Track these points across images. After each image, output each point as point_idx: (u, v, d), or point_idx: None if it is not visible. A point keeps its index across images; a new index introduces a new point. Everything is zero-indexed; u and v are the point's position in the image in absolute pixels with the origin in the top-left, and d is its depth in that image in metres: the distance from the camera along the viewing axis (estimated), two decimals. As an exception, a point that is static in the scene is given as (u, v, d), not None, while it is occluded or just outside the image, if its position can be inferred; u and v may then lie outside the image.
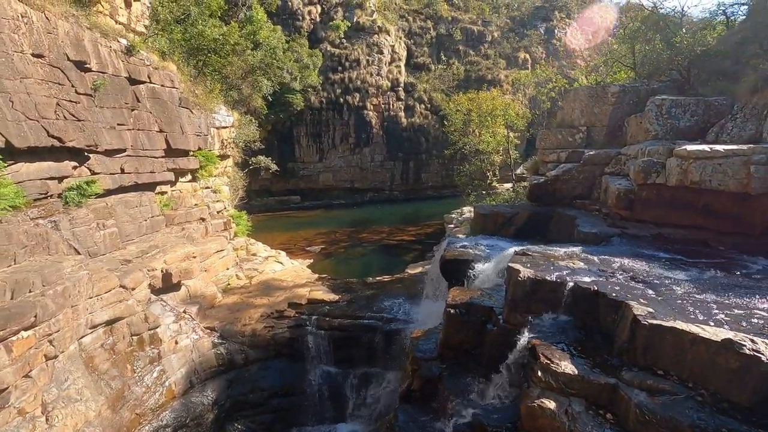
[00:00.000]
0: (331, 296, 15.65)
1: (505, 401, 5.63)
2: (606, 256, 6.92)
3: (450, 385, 6.36)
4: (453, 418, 5.85)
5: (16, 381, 7.67)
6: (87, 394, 9.22)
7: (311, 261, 23.54)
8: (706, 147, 7.67)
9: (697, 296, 5.14)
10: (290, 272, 18.76)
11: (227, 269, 16.82)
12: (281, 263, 19.89)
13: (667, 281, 5.68)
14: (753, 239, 7.41)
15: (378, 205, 41.84)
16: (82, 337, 9.79)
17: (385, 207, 40.91)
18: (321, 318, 14.32)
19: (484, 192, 30.46)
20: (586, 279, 5.86)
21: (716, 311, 4.72)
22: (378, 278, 17.96)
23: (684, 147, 8.01)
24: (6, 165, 9.34)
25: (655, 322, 4.49)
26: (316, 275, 18.55)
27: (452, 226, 26.04)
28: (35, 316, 7.93)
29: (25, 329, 7.85)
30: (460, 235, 18.77)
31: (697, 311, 4.76)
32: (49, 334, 8.41)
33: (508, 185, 31.94)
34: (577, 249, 7.51)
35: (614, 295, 5.22)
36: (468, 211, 27.12)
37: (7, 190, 9.03)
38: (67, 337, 8.96)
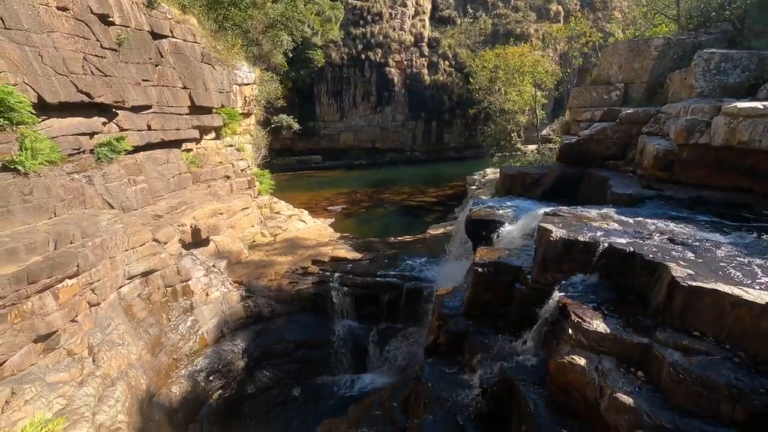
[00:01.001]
0: (354, 254, 15.91)
1: (533, 358, 5.71)
2: (641, 218, 6.72)
3: (476, 341, 6.48)
4: (479, 372, 6.00)
5: (64, 325, 8.18)
6: (128, 339, 9.80)
7: (333, 220, 23.81)
8: (759, 104, 7.17)
9: (739, 259, 4.98)
10: (313, 231, 19.07)
11: (252, 226, 17.19)
12: (304, 222, 20.20)
13: (707, 244, 5.50)
14: (801, 203, 7.04)
15: (399, 166, 41.49)
16: (121, 287, 10.29)
17: (406, 168, 40.55)
18: (344, 275, 14.67)
19: (507, 153, 29.72)
20: (621, 240, 5.72)
21: (760, 275, 4.57)
22: (399, 238, 18.11)
23: (734, 104, 7.51)
24: (39, 120, 9.52)
25: (694, 284, 4.39)
26: (338, 234, 18.81)
27: (474, 187, 25.69)
28: (77, 266, 8.32)
29: (69, 278, 8.28)
30: (483, 197, 18.55)
31: (740, 274, 4.62)
32: (91, 283, 8.85)
33: (533, 147, 31.03)
34: (610, 210, 7.30)
35: (651, 256, 5.10)
36: (491, 173, 26.63)
37: (43, 145, 9.24)
38: (107, 286, 9.42)
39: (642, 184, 9.11)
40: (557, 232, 6.01)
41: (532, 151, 30.34)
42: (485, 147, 31.76)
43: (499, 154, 28.98)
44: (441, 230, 19.07)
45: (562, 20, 42.65)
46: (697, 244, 5.50)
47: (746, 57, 9.78)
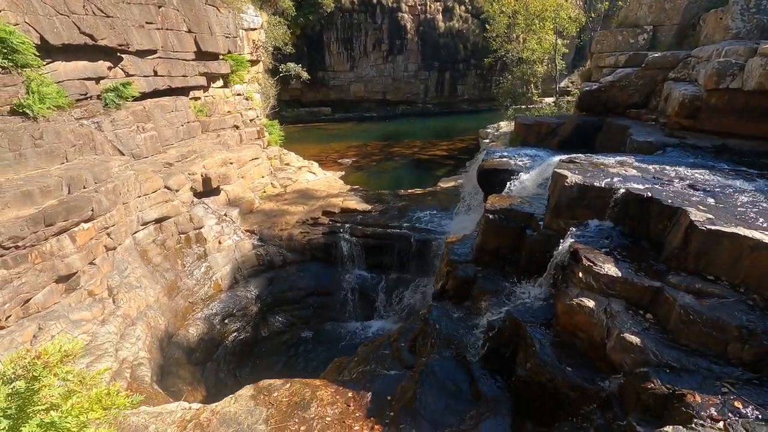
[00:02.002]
0: (364, 206, 15.90)
1: (540, 301, 5.74)
2: (661, 165, 6.49)
3: (484, 286, 6.53)
4: (486, 314, 6.08)
5: (83, 267, 8.44)
6: (145, 282, 10.12)
7: (343, 173, 23.66)
8: (800, 43, 6.66)
9: (763, 205, 4.81)
10: (323, 182, 19.01)
11: (262, 177, 17.18)
12: (314, 173, 20.11)
13: (729, 190, 5.31)
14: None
15: (410, 119, 40.51)
16: (136, 232, 10.49)
17: (417, 120, 39.58)
18: (354, 226, 14.74)
19: (523, 106, 28.68)
20: (639, 186, 5.55)
21: (783, 220, 4.42)
22: (410, 191, 18.00)
23: (772, 43, 6.99)
24: (44, 64, 9.33)
25: (713, 227, 4.27)
26: (349, 186, 18.74)
27: (487, 141, 25.08)
28: (92, 210, 8.45)
29: (85, 221, 8.43)
30: (494, 147, 18.13)
31: (762, 219, 4.47)
32: (106, 227, 9.02)
33: (551, 99, 29.85)
34: (629, 158, 7.05)
35: (669, 201, 4.95)
36: (505, 126, 25.88)
37: (49, 89, 9.11)
38: (122, 231, 9.60)
39: (664, 132, 8.74)
40: (572, 178, 5.85)
41: (549, 104, 29.21)
42: (500, 99, 30.65)
43: (514, 107, 28.01)
44: (452, 183, 18.87)
45: (589, -40, 39.55)
46: (719, 190, 5.32)
47: (791, -7, 9.01)
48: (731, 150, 7.56)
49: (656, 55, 10.35)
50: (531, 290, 5.97)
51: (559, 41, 28.40)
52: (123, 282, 9.73)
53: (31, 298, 7.61)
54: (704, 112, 8.26)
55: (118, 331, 9.03)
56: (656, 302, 4.37)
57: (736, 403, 3.45)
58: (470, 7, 39.70)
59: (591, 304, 4.58)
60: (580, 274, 4.79)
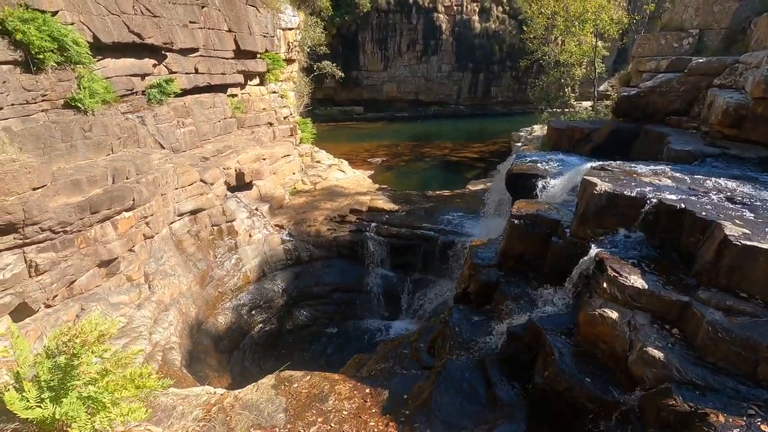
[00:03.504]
0: (391, 206, 16.00)
1: (563, 309, 5.66)
2: (698, 176, 6.24)
3: (506, 291, 6.48)
4: (506, 320, 6.05)
5: (123, 253, 8.94)
6: (179, 271, 10.60)
7: (372, 172, 23.85)
8: None
9: (806, 221, 4.56)
10: (352, 181, 19.24)
11: (293, 174, 17.57)
12: (344, 172, 20.37)
13: (770, 204, 5.06)
14: None
15: (442, 120, 40.28)
16: (172, 222, 10.99)
17: (449, 122, 39.31)
18: (380, 225, 14.86)
19: (558, 110, 27.99)
20: (672, 196, 5.37)
21: (827, 238, 4.18)
22: (438, 192, 17.96)
23: (828, 50, 6.59)
24: (95, 60, 9.91)
25: (748, 243, 4.10)
26: (377, 185, 18.88)
27: (520, 144, 24.68)
28: (133, 200, 8.94)
29: (126, 210, 8.93)
30: (524, 152, 17.81)
31: (803, 236, 4.25)
32: (145, 217, 9.51)
33: (588, 103, 28.97)
34: (664, 167, 6.82)
35: (704, 214, 4.77)
36: (539, 130, 25.35)
37: (99, 84, 9.68)
38: (159, 221, 10.09)
39: (705, 141, 8.38)
40: (602, 185, 5.72)
41: (587, 108, 28.34)
42: (534, 102, 30.02)
43: (549, 110, 27.37)
44: (481, 186, 18.69)
45: (635, -41, 38.08)
46: (759, 204, 5.08)
47: None
48: (778, 162, 7.17)
49: (701, 60, 9.91)
50: (553, 298, 5.89)
51: (600, 43, 27.52)
52: (159, 269, 10.23)
53: (75, 280, 8.14)
54: (750, 121, 7.86)
55: (152, 315, 9.51)
56: (683, 317, 4.23)
57: (762, 427, 3.32)
58: (508, 8, 39.06)
59: (614, 315, 4.49)
60: (605, 285, 4.70)
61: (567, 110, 27.53)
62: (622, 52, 37.15)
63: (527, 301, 6.15)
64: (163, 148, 11.64)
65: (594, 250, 5.28)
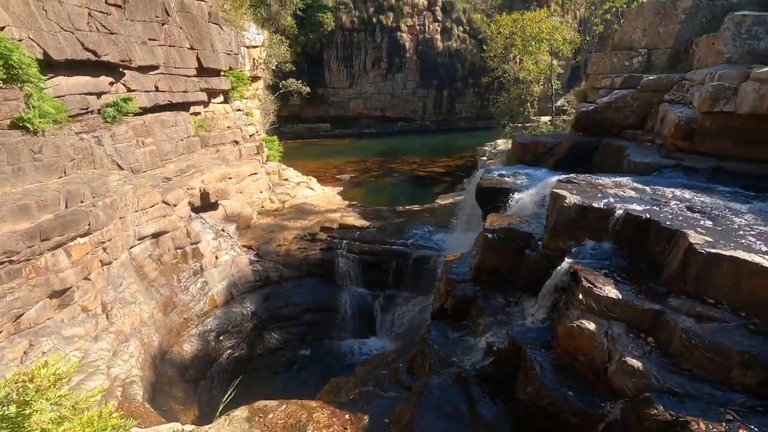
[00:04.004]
0: (362, 222, 15.89)
1: (540, 323, 5.70)
2: (659, 187, 6.54)
3: (483, 306, 6.49)
4: (485, 335, 6.03)
5: (77, 282, 8.34)
6: (140, 298, 10.00)
7: (341, 188, 23.73)
8: (792, 68, 6.81)
9: (760, 228, 4.83)
10: (321, 198, 19.02)
11: (261, 192, 17.18)
12: (312, 189, 20.13)
13: (727, 212, 5.35)
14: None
15: (409, 135, 40.87)
16: (132, 247, 10.40)
17: (416, 137, 39.94)
18: (351, 242, 14.69)
19: (520, 125, 29.05)
20: (637, 207, 5.58)
21: (781, 243, 4.43)
22: (408, 207, 18.01)
23: (766, 69, 7.13)
24: (46, 78, 9.39)
25: (712, 251, 4.28)
26: (347, 202, 18.75)
27: (485, 158, 25.26)
28: (89, 225, 8.40)
29: (81, 236, 8.37)
30: (492, 166, 18.26)
31: (759, 242, 4.49)
32: (103, 242, 8.95)
33: (547, 118, 30.24)
34: (626, 179, 7.11)
35: (668, 223, 4.96)
36: (503, 144, 26.10)
37: (50, 103, 9.16)
38: (118, 246, 9.53)
39: (661, 153, 8.83)
40: (571, 198, 5.87)
41: (546, 122, 29.60)
42: (497, 117, 31.03)
43: (512, 125, 28.36)
44: (450, 200, 18.93)
45: (583, -16, 40.60)
46: (717, 212, 5.35)
47: (781, 20, 9.23)
48: (727, 172, 7.64)
49: (651, 77, 10.53)
50: (530, 311, 5.93)
51: (555, 62, 28.94)
52: (117, 297, 9.61)
53: (23, 314, 7.48)
54: (699, 134, 8.36)
55: (110, 347, 8.87)
56: (657, 326, 4.34)
57: (742, 431, 3.40)
58: (468, 28, 40.49)
59: (592, 326, 4.55)
60: (581, 296, 4.77)
61: (528, 125, 28.62)
62: (575, 69, 39.22)
63: (504, 315, 6.16)
64: (122, 168, 11.09)
65: (567, 262, 5.37)
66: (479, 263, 7.00)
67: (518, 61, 28.88)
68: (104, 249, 9.16)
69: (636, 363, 4.07)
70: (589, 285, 4.75)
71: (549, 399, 4.57)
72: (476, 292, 6.81)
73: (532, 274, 6.21)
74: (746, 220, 5.10)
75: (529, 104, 29.63)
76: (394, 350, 7.81)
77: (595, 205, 5.73)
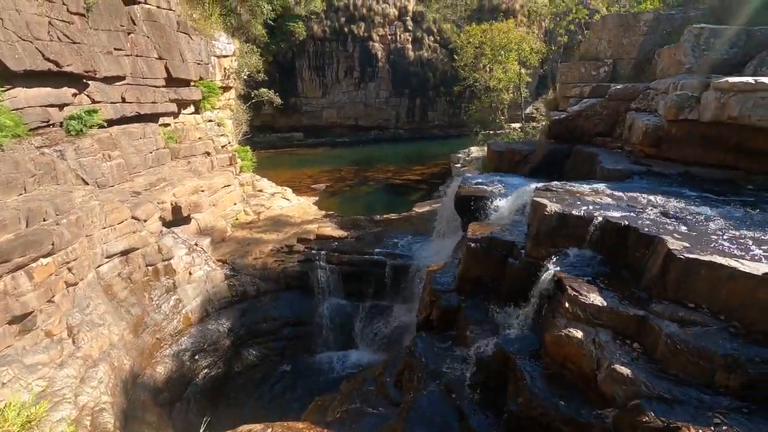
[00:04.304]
0: (340, 232, 15.73)
1: (526, 331, 5.73)
2: (633, 193, 6.75)
3: (469, 315, 6.48)
4: (473, 346, 6.01)
5: (40, 305, 7.84)
6: (109, 320, 9.50)
7: (317, 198, 23.49)
8: (749, 79, 7.18)
9: (731, 232, 5.04)
10: (297, 209, 18.75)
11: (235, 204, 16.78)
12: (288, 200, 19.83)
13: (699, 217, 5.55)
14: (784, 179, 7.19)
15: (383, 144, 41.02)
16: (99, 266, 9.90)
17: (389, 146, 40.12)
18: (330, 253, 14.50)
19: (491, 132, 29.68)
20: (615, 214, 5.73)
21: (753, 247, 4.63)
22: (385, 216, 17.98)
23: (725, 79, 7.51)
24: (3, 90, 8.89)
25: (691, 256, 4.41)
26: (323, 212, 18.54)
27: (459, 165, 25.62)
28: (53, 244, 7.93)
29: (44, 256, 7.89)
30: (470, 174, 18.51)
31: (733, 246, 4.68)
32: (68, 262, 8.48)
33: (517, 125, 31.01)
34: (601, 186, 7.31)
35: (646, 230, 5.11)
36: (476, 151, 26.56)
37: (6, 117, 8.67)
38: (84, 265, 9.04)
39: (631, 160, 9.14)
40: (552, 207, 5.97)
41: (516, 129, 30.36)
42: (469, 125, 31.60)
43: (484, 132, 28.92)
44: (427, 208, 19.02)
45: (547, -4, 42.11)
46: (690, 217, 5.55)
47: (734, 33, 9.77)
48: (693, 177, 7.97)
49: (618, 87, 10.94)
50: (516, 320, 5.96)
51: (523, 71, 29.81)
52: (84, 320, 9.08)
53: (-21, 343, 6.95)
54: (666, 141, 8.72)
55: (77, 374, 8.35)
56: (642, 332, 4.43)
57: (728, 434, 3.48)
58: (439, 38, 41.19)
59: (579, 334, 4.60)
60: (567, 304, 4.82)
61: (500, 132, 29.28)
62: (542, 78, 40.53)
63: (490, 325, 6.17)
64: (87, 184, 10.56)
65: (551, 270, 5.44)
66: (463, 273, 7.00)
67: (488, 70, 29.59)
68: (69, 269, 8.66)
69: (625, 370, 4.13)
70: (574, 293, 4.81)
71: (541, 409, 4.57)
72: (461, 301, 6.80)
73: (515, 282, 6.25)
74: (717, 224, 5.31)
75: (499, 112, 30.34)
76: (380, 363, 7.69)
77: (575, 213, 5.84)
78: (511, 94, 30.08)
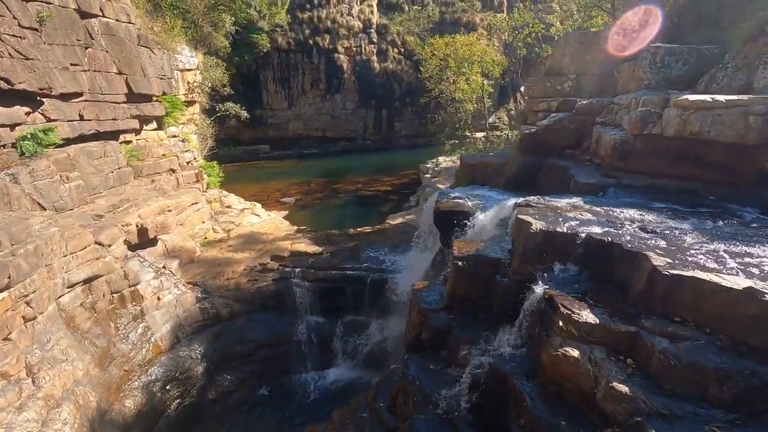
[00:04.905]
0: (314, 248, 15.49)
1: (519, 350, 5.79)
2: (608, 207, 7.02)
3: (461, 334, 6.48)
4: (467, 366, 6.00)
5: (-4, 346, 7.18)
6: (72, 354, 8.85)
7: (287, 212, 23.03)
8: (707, 97, 7.68)
9: (706, 246, 5.31)
10: (268, 224, 18.30)
11: (203, 222, 16.17)
12: (258, 215, 19.33)
13: (675, 231, 5.83)
14: (741, 189, 7.70)
15: (351, 155, 40.91)
16: (60, 296, 9.24)
17: (358, 157, 40.07)
18: (305, 270, 14.23)
19: (458, 141, 30.29)
20: (597, 230, 5.92)
21: (728, 260, 4.89)
22: (359, 229, 17.85)
23: (685, 97, 7.99)
24: (-54, 109, 8.18)
25: (675, 272, 4.61)
26: (296, 227, 18.20)
27: (428, 176, 25.90)
28: (9, 277, 7.32)
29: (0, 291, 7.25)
30: (441, 186, 18.74)
31: (710, 260, 4.93)
32: (26, 295, 7.85)
33: (481, 134, 31.86)
34: (578, 200, 7.56)
35: (629, 246, 5.30)
36: (444, 161, 26.97)
37: (-48, 138, 7.95)
38: (44, 297, 8.41)
39: (600, 173, 9.53)
40: (537, 224, 6.10)
41: (481, 138, 31.19)
42: (436, 135, 32.12)
43: (451, 142, 29.48)
44: (400, 220, 19.05)
45: (505, 10, 43.74)
46: (667, 232, 5.81)
47: (686, 51, 10.48)
48: (659, 188, 8.41)
49: (584, 102, 11.43)
50: (508, 338, 6.01)
51: (485, 82, 30.71)
52: (45, 356, 8.39)
53: (-75, 393, 6.26)
54: (632, 155, 9.16)
55: (39, 417, 7.69)
56: (634, 347, 4.57)
57: (726, 447, 3.62)
58: (403, 50, 41.77)
59: (576, 353, 4.69)
60: (561, 323, 4.90)
61: (465, 141, 29.96)
62: (503, 89, 41.88)
63: (483, 343, 6.20)
64: (45, 208, 9.85)
65: (540, 288, 5.53)
66: (451, 291, 7.02)
67: (452, 81, 30.28)
68: (28, 303, 8.00)
69: (623, 387, 4.23)
70: (567, 311, 4.91)
71: (544, 431, 4.61)
72: (451, 320, 6.79)
73: (505, 299, 6.32)
74: (693, 238, 5.60)
75: (464, 122, 31.06)
76: (372, 388, 7.53)
77: (559, 229, 5.99)
78: (475, 105, 30.86)
